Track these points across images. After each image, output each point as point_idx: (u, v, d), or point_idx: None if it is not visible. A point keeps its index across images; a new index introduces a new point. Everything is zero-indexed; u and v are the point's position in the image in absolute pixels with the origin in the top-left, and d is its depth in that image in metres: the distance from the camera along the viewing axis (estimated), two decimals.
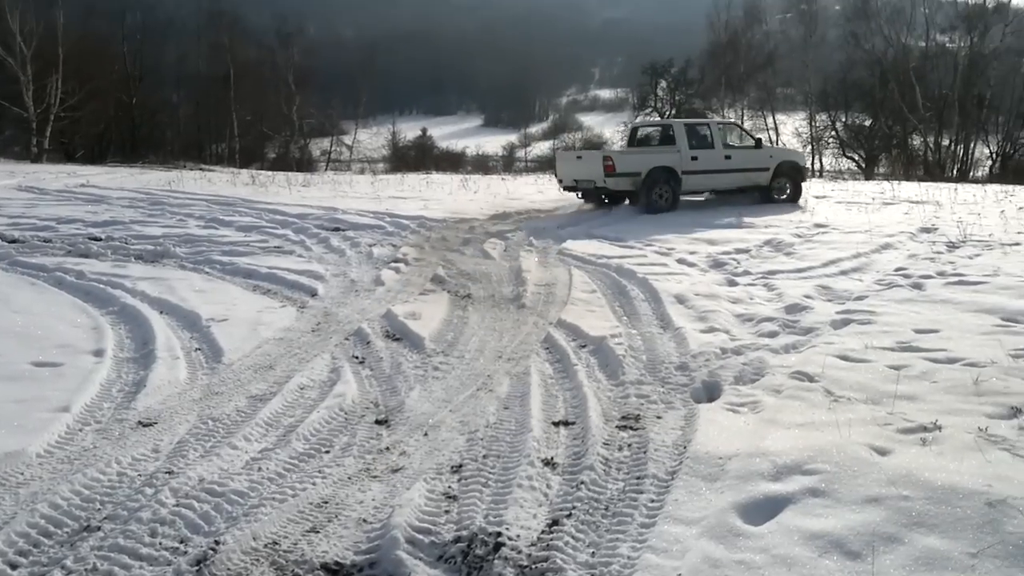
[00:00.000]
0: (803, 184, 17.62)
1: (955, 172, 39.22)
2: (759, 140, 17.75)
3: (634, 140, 18.26)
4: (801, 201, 16.74)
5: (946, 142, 42.09)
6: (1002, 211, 14.51)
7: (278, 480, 4.21)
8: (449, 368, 6.14)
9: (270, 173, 30.74)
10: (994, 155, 42.38)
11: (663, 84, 57.91)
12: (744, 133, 18.47)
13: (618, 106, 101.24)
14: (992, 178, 35.33)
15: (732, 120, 20.18)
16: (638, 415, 5.06)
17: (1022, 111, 41.15)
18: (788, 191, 17.06)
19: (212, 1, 52.16)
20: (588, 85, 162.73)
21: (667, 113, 56.48)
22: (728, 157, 16.51)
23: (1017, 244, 10.65)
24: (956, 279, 8.60)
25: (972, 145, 42.32)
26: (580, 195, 17.01)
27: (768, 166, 16.85)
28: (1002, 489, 3.62)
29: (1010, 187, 22.89)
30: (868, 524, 3.43)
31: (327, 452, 4.59)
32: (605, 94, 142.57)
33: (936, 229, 12.05)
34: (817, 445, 4.19)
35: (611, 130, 61.65)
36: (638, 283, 8.80)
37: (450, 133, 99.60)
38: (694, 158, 16.03)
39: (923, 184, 24.00)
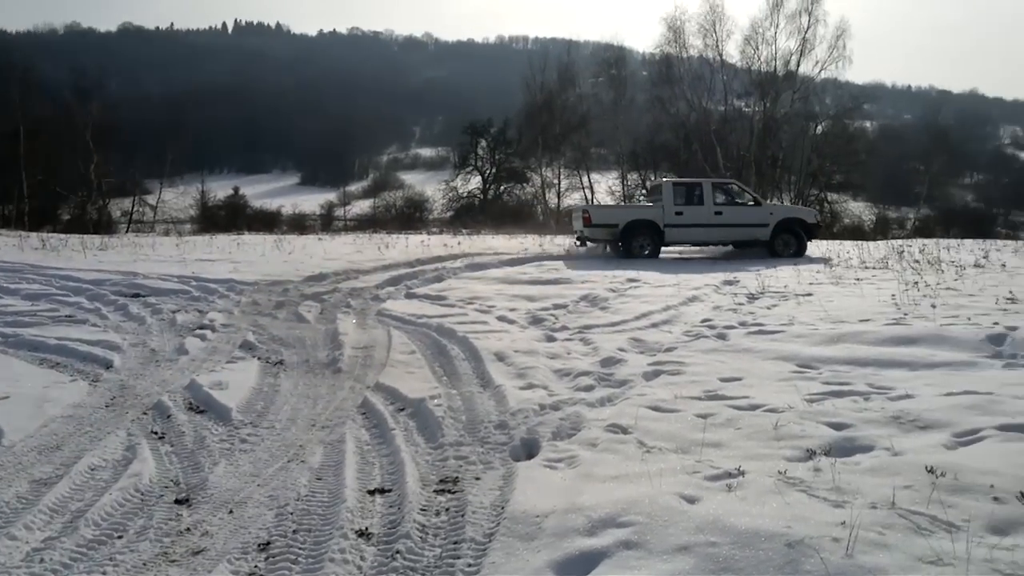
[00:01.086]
0: (813, 239, 19.88)
1: None
2: (757, 199, 19.69)
3: (648, 195, 21.06)
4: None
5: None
6: (795, 264, 15.63)
7: (63, 571, 3.88)
8: (258, 440, 5.91)
9: (63, 236, 28.97)
10: None
11: (483, 143, 59.22)
12: (745, 192, 20.04)
13: (439, 164, 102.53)
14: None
15: (732, 180, 21.17)
16: (457, 477, 5.04)
17: (810, 170, 44.82)
18: (793, 246, 18.91)
19: (0, 53, 49.09)
20: (409, 143, 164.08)
21: (488, 172, 57.77)
22: (719, 213, 18.77)
23: (809, 295, 11.48)
24: (756, 329, 9.15)
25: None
26: (578, 243, 19.57)
27: (768, 222, 18.97)
28: (800, 530, 3.83)
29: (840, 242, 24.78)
30: (678, 573, 3.53)
31: (120, 537, 4.28)
32: (426, 152, 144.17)
33: (738, 282, 12.83)
34: (631, 497, 4.30)
35: (432, 188, 62.16)
36: (458, 342, 8.83)
37: (265, 192, 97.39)
38: (679, 213, 18.66)
39: None
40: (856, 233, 41.37)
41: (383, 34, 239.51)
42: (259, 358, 8.51)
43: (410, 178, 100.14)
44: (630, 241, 18.68)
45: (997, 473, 4.52)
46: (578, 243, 19.60)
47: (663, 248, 19.13)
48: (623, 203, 19.66)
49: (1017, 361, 7.58)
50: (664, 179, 21.06)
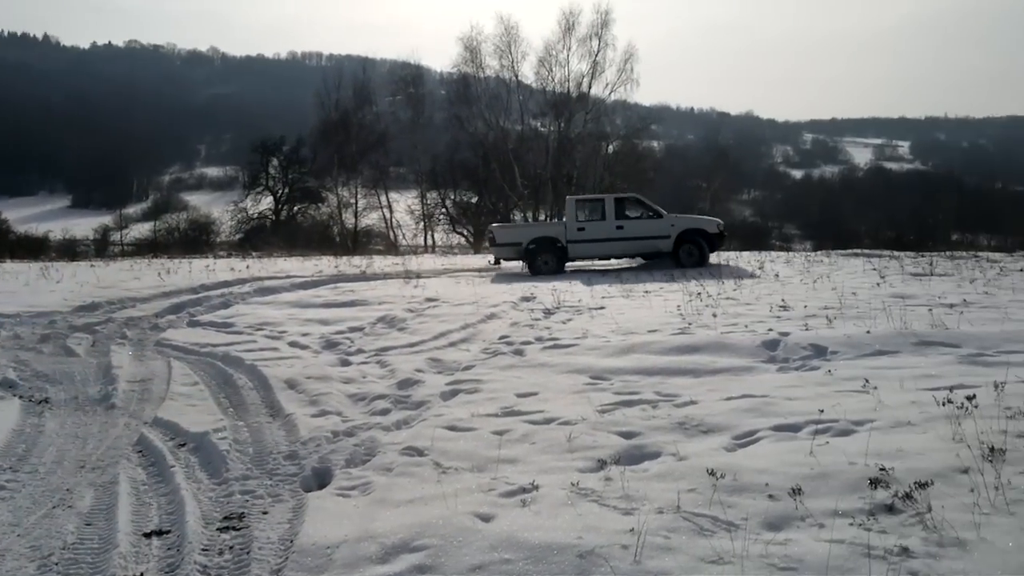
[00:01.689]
0: (716, 249, 20.22)
1: None
2: (659, 211, 19.84)
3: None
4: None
5: (543, 216, 46.42)
6: (588, 279, 16.21)
7: None
8: (18, 486, 5.44)
9: None
10: None
11: (275, 162, 57.78)
12: (647, 206, 20.17)
13: (228, 184, 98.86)
14: None
15: (635, 195, 20.95)
16: (242, 513, 4.84)
17: (603, 187, 46.71)
18: (696, 256, 19.46)
19: None
20: (194, 163, 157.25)
21: (280, 192, 56.40)
22: (620, 227, 19.50)
23: (602, 308, 11.92)
24: (552, 343, 9.40)
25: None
26: (493, 262, 20.31)
27: (669, 234, 19.49)
28: (591, 540, 3.94)
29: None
30: None
31: None
32: (213, 172, 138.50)
33: (535, 298, 13.13)
34: (425, 520, 4.28)
35: (220, 209, 59.83)
36: (246, 371, 8.53)
37: (31, 216, 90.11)
38: (580, 229, 19.51)
39: None
40: None
41: (164, 48, 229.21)
42: (20, 396, 7.85)
43: (195, 199, 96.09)
44: (534, 258, 19.41)
45: (771, 472, 4.84)
46: (492, 261, 20.26)
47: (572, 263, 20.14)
48: (528, 220, 20.29)
49: (789, 364, 8.19)
50: (568, 196, 21.48)
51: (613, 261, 21.21)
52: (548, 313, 11.62)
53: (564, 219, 20.00)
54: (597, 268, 20.41)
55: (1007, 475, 4.48)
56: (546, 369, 8.19)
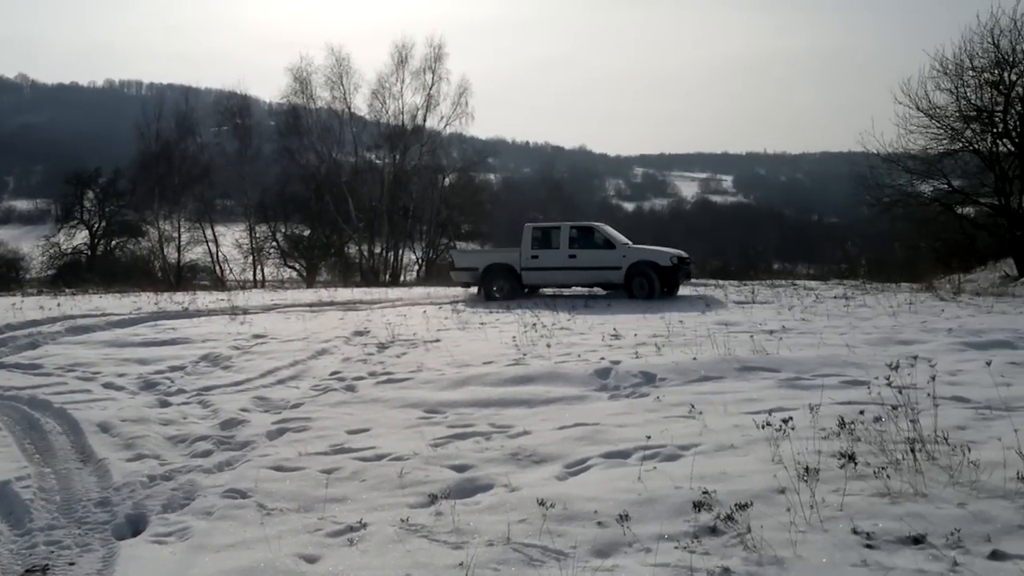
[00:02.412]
0: (675, 282, 19.40)
1: (388, 277, 43.07)
2: (608, 241, 19.56)
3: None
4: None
5: (379, 249, 46.13)
6: (424, 311, 16.19)
7: None
8: None
9: None
10: (420, 260, 47.54)
11: (90, 195, 54.99)
12: (603, 235, 19.79)
13: (39, 218, 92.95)
14: (420, 281, 39.46)
15: (592, 224, 20.02)
16: (47, 565, 4.51)
17: (440, 220, 46.94)
18: (646, 289, 18.90)
19: None
20: (1, 195, 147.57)
21: (96, 226, 53.69)
22: (572, 256, 19.49)
23: (437, 341, 11.92)
24: (385, 378, 9.32)
25: (401, 252, 47.02)
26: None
27: (620, 265, 19.16)
28: (420, 575, 3.89)
29: (434, 288, 25.72)
30: None
31: None
32: (22, 205, 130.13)
33: (368, 332, 12.98)
34: (246, 564, 4.12)
35: (31, 244, 56.26)
36: (54, 415, 7.97)
37: None
38: (534, 256, 19.76)
39: (361, 289, 25.87)
40: None
41: None
42: None
43: (3, 233, 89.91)
44: (489, 285, 19.82)
45: (601, 499, 4.94)
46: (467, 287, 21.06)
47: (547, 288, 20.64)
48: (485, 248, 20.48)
49: (620, 392, 8.42)
50: (527, 223, 21.00)
51: (579, 289, 21.18)
52: (382, 347, 11.51)
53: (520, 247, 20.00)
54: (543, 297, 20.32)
55: (821, 493, 4.75)
56: (379, 404, 8.09)
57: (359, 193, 46.63)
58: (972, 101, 24.08)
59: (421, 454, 6.23)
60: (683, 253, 20.11)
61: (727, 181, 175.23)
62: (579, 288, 21.05)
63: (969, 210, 25.74)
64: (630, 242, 20.53)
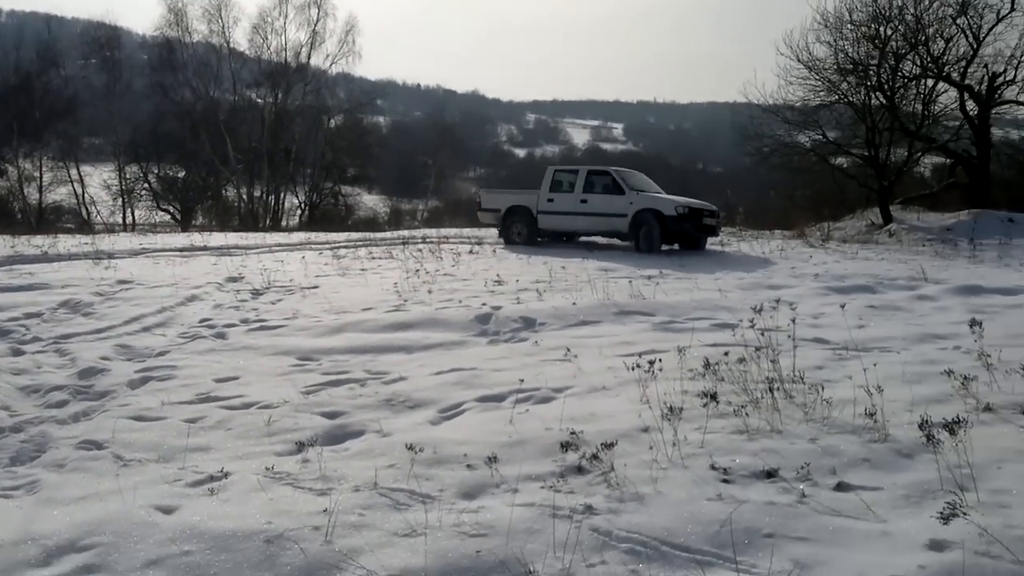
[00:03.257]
0: (680, 233, 17.82)
1: (268, 222, 42.14)
2: (619, 186, 18.32)
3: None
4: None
5: (259, 193, 44.99)
6: (303, 257, 15.94)
7: None
8: None
9: None
10: (303, 204, 46.62)
11: None
12: (616, 180, 18.54)
13: None
14: (302, 226, 38.77)
15: (608, 168, 18.96)
16: None
17: (325, 163, 46.02)
18: (646, 241, 17.56)
19: None
20: None
21: None
22: (584, 201, 18.67)
23: (315, 287, 11.77)
24: (258, 325, 9.16)
25: (283, 195, 45.98)
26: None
27: (626, 212, 17.90)
28: (282, 523, 3.88)
29: (315, 233, 25.31)
30: None
31: None
32: None
33: (243, 278, 12.71)
34: (98, 517, 4.01)
35: None
36: None
37: None
38: (550, 200, 19.08)
39: (238, 234, 25.25)
40: (371, 225, 43.39)
41: None
42: None
43: None
44: (510, 227, 19.40)
45: (471, 442, 5.01)
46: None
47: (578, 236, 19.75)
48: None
49: (499, 337, 8.52)
50: (549, 166, 20.08)
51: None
52: (256, 294, 11.30)
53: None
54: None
55: (683, 432, 4.92)
56: (250, 352, 7.96)
57: (238, 133, 45.29)
58: (849, 54, 25.03)
59: (291, 402, 6.17)
60: (702, 203, 18.47)
61: (618, 129, 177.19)
62: (600, 239, 19.84)
63: (842, 160, 26.80)
64: (661, 191, 19.25)
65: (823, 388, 5.46)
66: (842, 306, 7.92)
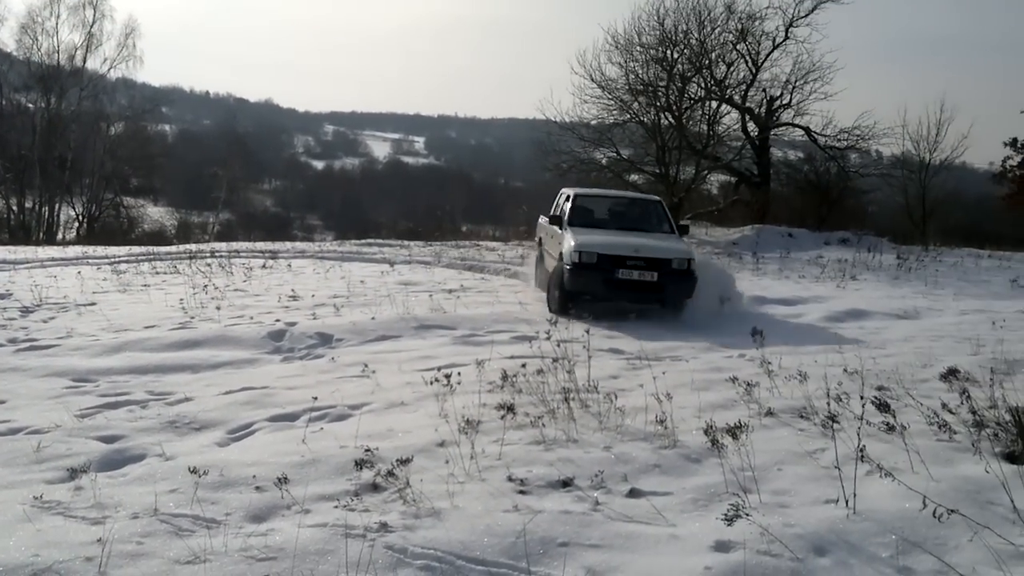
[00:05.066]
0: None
1: (42, 235, 39.40)
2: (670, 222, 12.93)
3: None
4: None
5: (30, 204, 42.02)
6: (79, 272, 15.02)
7: None
8: None
9: None
10: (80, 216, 43.91)
11: None
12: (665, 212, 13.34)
13: None
14: (80, 240, 36.49)
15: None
16: None
17: (104, 173, 43.52)
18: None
19: None
20: None
21: None
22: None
23: (93, 304, 11.11)
24: (28, 345, 8.56)
25: (57, 207, 43.11)
26: None
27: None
28: (50, 555, 3.63)
29: (94, 247, 23.86)
30: None
31: None
32: None
33: (11, 295, 11.82)
34: None
35: None
36: None
37: None
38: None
39: (6, 248, 23.46)
40: (157, 238, 41.39)
41: None
42: None
43: None
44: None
45: (262, 463, 4.88)
46: None
47: None
48: None
49: (294, 354, 8.35)
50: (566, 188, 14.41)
51: None
52: (26, 312, 10.52)
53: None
54: None
55: (481, 444, 4.99)
56: (18, 374, 7.40)
57: (6, 140, 42.06)
58: (640, 75, 26.27)
59: (64, 426, 5.79)
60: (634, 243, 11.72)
61: (419, 143, 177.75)
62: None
63: (636, 177, 28.04)
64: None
65: (617, 397, 5.68)
66: (633, 315, 8.28)
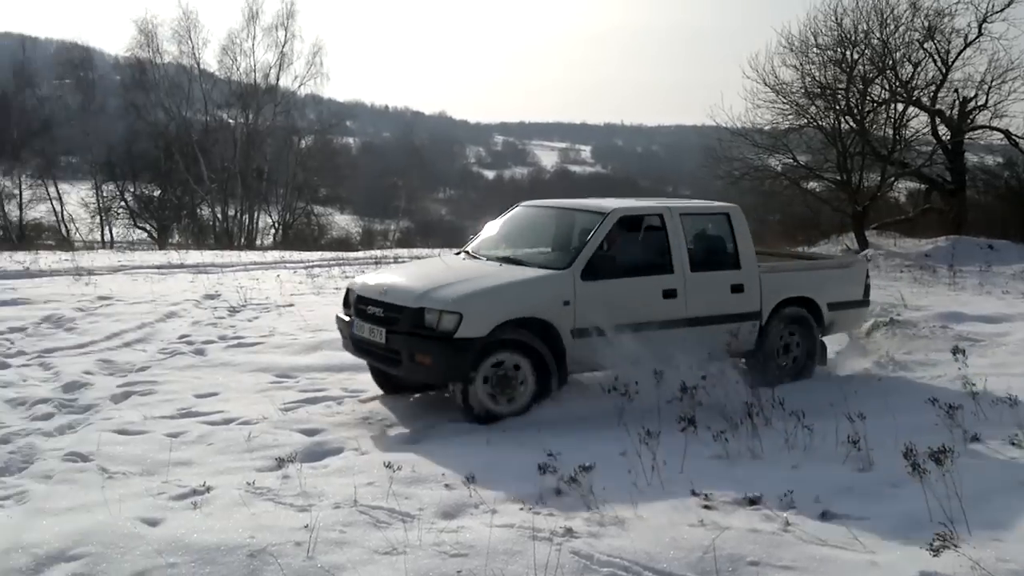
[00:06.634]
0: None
1: (243, 240, 41.83)
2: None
3: None
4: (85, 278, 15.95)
5: (232, 212, 44.67)
6: (278, 275, 15.89)
7: None
8: None
9: None
10: (276, 224, 46.37)
11: None
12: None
13: None
14: (276, 245, 38.55)
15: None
16: None
17: (296, 184, 45.80)
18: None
19: None
20: None
21: None
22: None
23: (291, 305, 11.75)
24: (236, 341, 9.18)
25: (256, 215, 45.68)
26: None
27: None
28: (263, 538, 3.90)
29: (289, 252, 25.19)
30: None
31: None
32: None
33: (220, 296, 12.65)
34: (86, 528, 4.02)
35: None
36: None
37: None
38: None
39: (213, 252, 25.08)
40: (344, 245, 43.19)
41: None
42: None
43: None
44: None
45: (449, 462, 5.05)
46: None
47: None
48: None
49: None
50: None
51: None
52: (233, 311, 11.25)
53: None
54: None
55: (662, 456, 4.92)
56: (229, 368, 7.97)
57: (211, 153, 44.88)
58: (816, 78, 24.85)
59: (270, 418, 6.20)
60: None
61: (586, 151, 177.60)
62: None
63: (814, 185, 26.60)
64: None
65: (804, 415, 5.41)
66: None
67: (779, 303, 7.61)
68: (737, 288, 7.38)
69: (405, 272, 7.81)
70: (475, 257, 7.51)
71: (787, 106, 25.09)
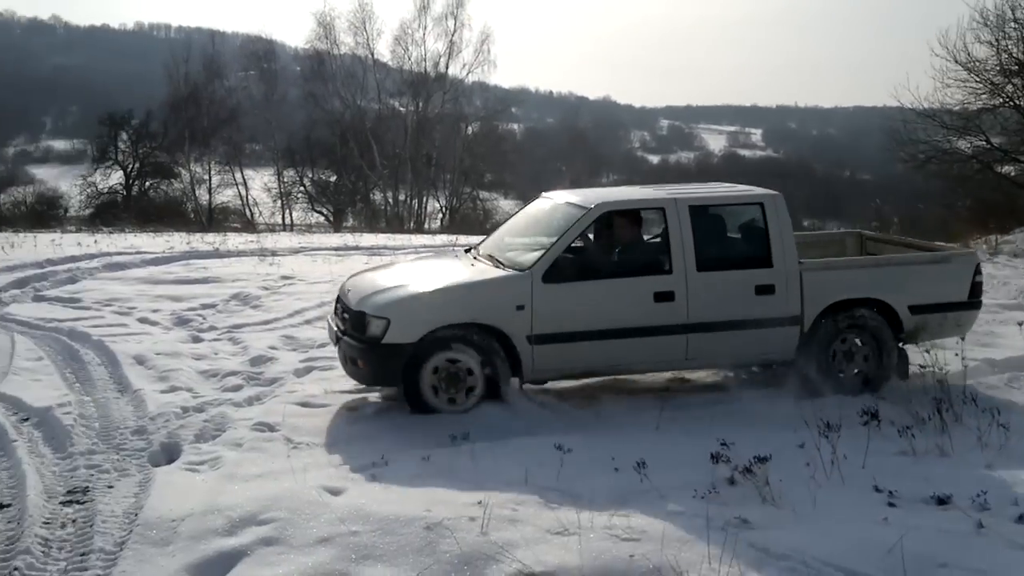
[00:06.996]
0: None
1: (412, 224, 43.07)
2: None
3: None
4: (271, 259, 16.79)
5: (403, 197, 46.07)
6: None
7: None
8: None
9: None
10: (444, 208, 47.52)
11: (124, 136, 54.96)
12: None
13: (76, 158, 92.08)
14: (444, 229, 39.48)
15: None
16: (87, 487, 4.71)
17: (463, 169, 46.72)
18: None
19: None
20: (39, 135, 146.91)
21: (131, 166, 53.76)
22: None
23: None
24: None
25: (425, 199, 46.95)
26: None
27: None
28: (439, 512, 4.00)
29: (456, 236, 25.69)
30: (320, 565, 3.56)
31: None
32: (60, 145, 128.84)
33: None
34: (273, 494, 4.25)
35: (68, 183, 56.28)
36: (93, 346, 8.13)
37: None
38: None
39: (385, 235, 25.91)
40: None
41: (3, 15, 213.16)
42: None
43: (43, 172, 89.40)
44: None
45: (617, 446, 4.99)
46: None
47: None
48: None
49: None
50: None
51: None
52: None
53: None
54: None
55: (842, 450, 4.73)
56: None
57: (383, 140, 46.39)
58: (1014, 55, 23.06)
59: None
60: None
61: (756, 135, 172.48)
62: None
63: (1009, 169, 24.75)
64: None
65: (999, 412, 5.12)
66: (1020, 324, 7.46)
67: (832, 305, 6.48)
68: (765, 289, 6.40)
69: (387, 271, 7.40)
70: (476, 256, 6.99)
71: (980, 85, 23.20)
